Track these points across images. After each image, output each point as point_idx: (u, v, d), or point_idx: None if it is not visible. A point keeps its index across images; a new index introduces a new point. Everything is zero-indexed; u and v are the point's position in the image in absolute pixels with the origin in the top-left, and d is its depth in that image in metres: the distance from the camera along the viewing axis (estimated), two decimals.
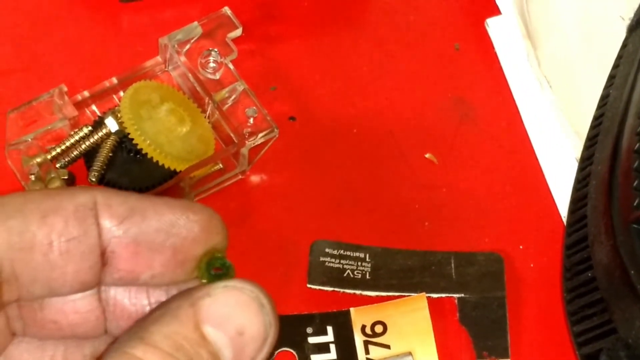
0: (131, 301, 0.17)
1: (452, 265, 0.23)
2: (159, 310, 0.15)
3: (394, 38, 0.25)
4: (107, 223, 0.15)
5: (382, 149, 0.23)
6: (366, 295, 0.23)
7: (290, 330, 0.21)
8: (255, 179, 0.25)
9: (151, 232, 0.15)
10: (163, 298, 0.17)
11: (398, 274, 0.23)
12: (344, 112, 0.23)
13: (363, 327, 0.22)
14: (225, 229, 0.16)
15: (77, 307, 0.17)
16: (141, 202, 0.15)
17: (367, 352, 0.22)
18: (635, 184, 0.23)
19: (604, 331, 0.22)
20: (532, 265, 0.24)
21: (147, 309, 0.17)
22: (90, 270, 0.15)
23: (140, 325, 0.15)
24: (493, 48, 0.27)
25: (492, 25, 0.28)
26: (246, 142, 0.23)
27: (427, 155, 0.22)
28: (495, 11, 0.28)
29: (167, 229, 0.15)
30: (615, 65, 0.26)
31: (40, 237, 0.15)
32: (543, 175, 0.26)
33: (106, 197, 0.15)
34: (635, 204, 0.22)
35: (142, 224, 0.15)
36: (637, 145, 0.22)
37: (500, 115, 0.27)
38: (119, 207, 0.15)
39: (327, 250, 0.23)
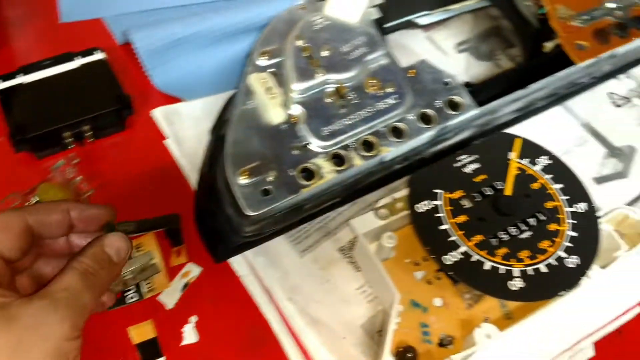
0: (81, 241, 0.38)
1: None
2: (88, 245, 0.35)
3: None
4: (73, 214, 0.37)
5: None
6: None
7: None
8: None
9: (90, 216, 0.37)
10: (90, 238, 0.37)
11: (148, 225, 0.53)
12: None
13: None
14: (114, 211, 0.38)
15: (61, 243, 0.38)
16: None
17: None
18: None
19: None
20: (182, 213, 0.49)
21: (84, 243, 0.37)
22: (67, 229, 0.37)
23: (79, 252, 0.35)
24: None
25: None
26: None
27: None
28: None
29: (97, 216, 0.38)
30: None
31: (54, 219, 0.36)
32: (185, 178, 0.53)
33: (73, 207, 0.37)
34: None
35: (86, 213, 0.37)
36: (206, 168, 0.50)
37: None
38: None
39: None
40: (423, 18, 0.64)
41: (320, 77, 0.44)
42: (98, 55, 0.59)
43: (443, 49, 0.65)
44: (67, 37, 0.63)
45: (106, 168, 0.54)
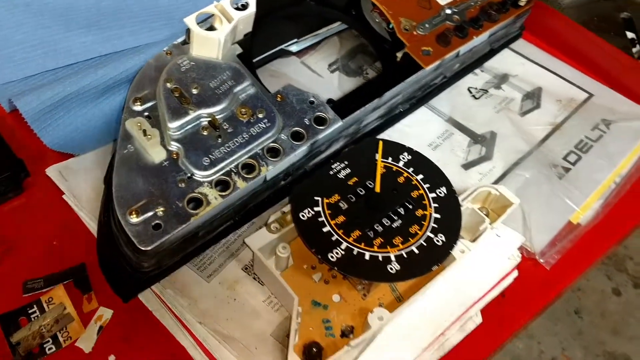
0: None
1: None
2: None
3: None
4: None
5: None
6: None
7: None
8: None
9: None
10: None
11: (56, 278, 0.57)
12: None
13: None
14: None
15: None
16: None
17: None
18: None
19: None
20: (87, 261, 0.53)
21: None
22: None
23: None
24: None
25: None
26: None
27: None
28: None
29: None
30: None
31: None
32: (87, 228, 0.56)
33: None
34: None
35: None
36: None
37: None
38: None
39: None
40: (293, 46, 0.70)
41: (193, 113, 0.48)
42: None
43: (317, 71, 0.71)
44: None
45: (10, 232, 0.56)
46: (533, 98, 0.70)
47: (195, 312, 0.51)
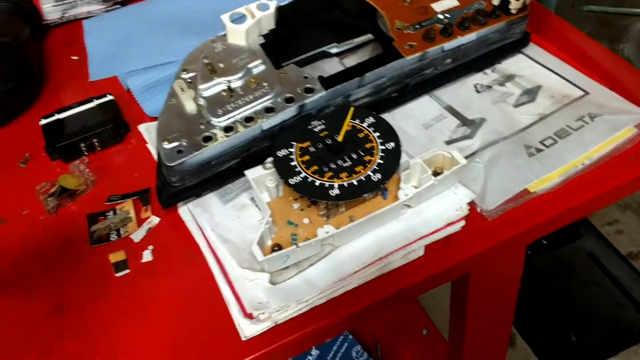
0: None
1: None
2: None
3: None
4: None
5: None
6: None
7: None
8: None
9: None
10: None
11: (129, 195, 0.83)
12: None
13: None
14: None
15: None
16: None
17: None
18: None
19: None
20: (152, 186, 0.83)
21: None
22: None
23: None
24: None
25: None
26: None
27: None
28: None
29: None
30: None
31: None
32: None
33: None
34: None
35: None
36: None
37: None
38: None
39: None
40: (334, 49, 0.89)
41: (216, 80, 0.70)
42: (108, 97, 0.89)
43: None
44: (94, 88, 0.94)
45: (109, 167, 0.82)
46: (530, 94, 0.81)
47: (211, 223, 0.71)
